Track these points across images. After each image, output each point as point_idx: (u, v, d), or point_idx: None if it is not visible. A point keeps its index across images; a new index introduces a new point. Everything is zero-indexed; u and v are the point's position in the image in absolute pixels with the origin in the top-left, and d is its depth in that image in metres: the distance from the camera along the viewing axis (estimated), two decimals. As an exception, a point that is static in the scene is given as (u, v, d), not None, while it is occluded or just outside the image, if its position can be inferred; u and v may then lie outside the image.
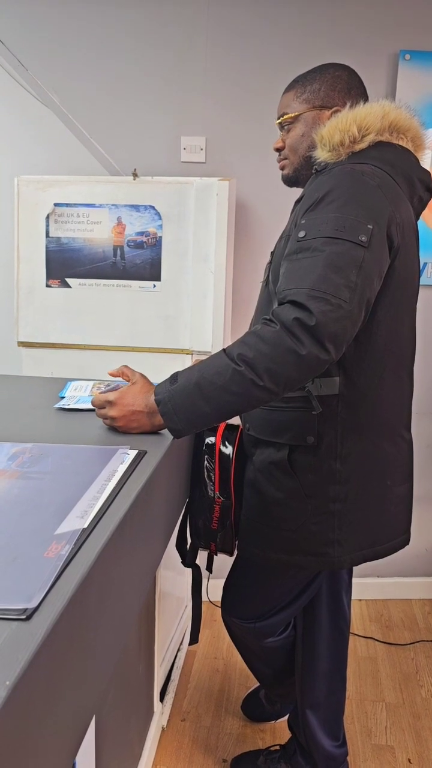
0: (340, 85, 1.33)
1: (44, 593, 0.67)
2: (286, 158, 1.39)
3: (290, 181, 1.42)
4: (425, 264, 2.24)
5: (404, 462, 1.39)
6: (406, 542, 1.43)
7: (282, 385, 1.11)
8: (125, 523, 0.88)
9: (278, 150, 1.41)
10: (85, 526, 0.83)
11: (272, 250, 1.38)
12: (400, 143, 1.29)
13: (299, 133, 1.35)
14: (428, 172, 1.35)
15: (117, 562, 0.87)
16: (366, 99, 1.35)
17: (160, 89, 2.13)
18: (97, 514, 0.87)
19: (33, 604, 0.65)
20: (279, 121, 1.38)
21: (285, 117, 1.36)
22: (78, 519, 0.85)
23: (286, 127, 1.37)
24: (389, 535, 1.37)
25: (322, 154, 1.27)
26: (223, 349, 1.15)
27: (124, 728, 1.42)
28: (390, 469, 1.34)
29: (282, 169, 1.41)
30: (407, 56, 2.09)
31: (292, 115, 1.35)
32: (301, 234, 1.16)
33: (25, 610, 0.64)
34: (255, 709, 1.92)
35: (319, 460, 1.28)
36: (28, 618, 0.63)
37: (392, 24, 2.09)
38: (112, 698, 1.28)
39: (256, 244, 2.21)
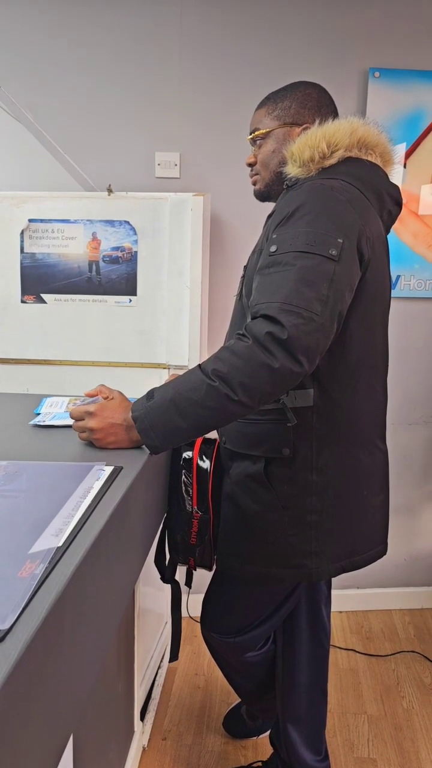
0: (310, 102, 1.36)
1: (17, 614, 0.66)
2: (257, 173, 1.41)
3: (262, 195, 1.44)
4: (398, 277, 2.27)
5: (380, 472, 1.40)
6: (384, 552, 1.43)
7: (257, 399, 1.11)
8: (101, 541, 0.88)
9: (250, 165, 1.43)
10: (60, 544, 0.82)
11: (245, 264, 1.39)
12: (369, 159, 1.31)
13: (270, 149, 1.37)
14: (397, 186, 1.38)
15: (93, 579, 0.86)
16: (336, 116, 1.38)
17: (134, 105, 2.14)
18: (72, 531, 0.86)
19: (5, 626, 0.64)
20: (251, 137, 1.40)
21: (256, 133, 1.39)
22: (53, 537, 0.84)
23: (257, 143, 1.40)
24: (367, 546, 1.38)
25: (292, 170, 1.29)
26: (198, 365, 1.15)
27: (104, 749, 1.40)
28: (366, 480, 1.35)
29: (254, 184, 1.43)
30: (377, 74, 2.14)
31: (264, 131, 1.37)
32: (273, 248, 1.17)
33: (-2, 631, 0.63)
34: (236, 726, 1.91)
35: (295, 471, 1.29)
36: (1, 640, 0.62)
37: (362, 43, 2.13)
38: (91, 718, 1.26)
39: (231, 258, 2.22)
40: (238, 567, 1.38)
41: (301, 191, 1.22)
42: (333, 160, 1.27)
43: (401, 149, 2.19)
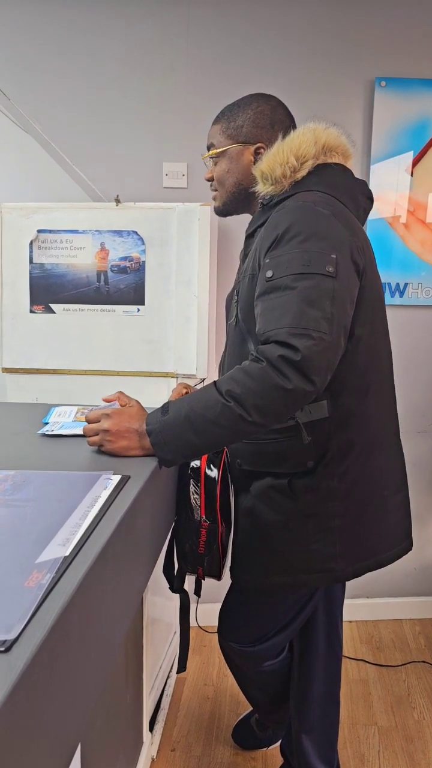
0: (263, 121, 1.38)
1: (24, 624, 0.66)
2: (216, 190, 1.44)
3: (221, 212, 1.47)
4: (406, 284, 2.27)
5: (398, 470, 1.42)
6: (409, 547, 1.45)
7: (270, 420, 1.14)
8: (108, 550, 0.88)
9: (209, 180, 1.45)
10: (67, 554, 0.82)
11: (236, 289, 1.40)
12: (334, 160, 1.33)
13: (225, 169, 1.40)
14: (364, 181, 1.42)
15: (100, 589, 0.86)
16: (293, 125, 1.39)
17: (142, 116, 2.16)
18: (79, 541, 0.86)
19: (12, 636, 0.64)
20: (207, 155, 1.43)
21: (211, 152, 1.42)
22: (60, 547, 0.84)
23: (213, 160, 1.42)
24: (390, 543, 1.40)
25: (265, 188, 1.31)
26: (214, 383, 1.17)
27: (113, 760, 1.39)
28: (385, 480, 1.37)
29: (213, 199, 1.46)
30: (383, 83, 2.14)
31: (217, 150, 1.40)
32: (269, 274, 1.19)
33: (4, 642, 0.63)
34: (246, 737, 1.90)
35: (318, 480, 1.30)
36: (7, 650, 0.62)
37: (368, 52, 2.14)
38: (99, 729, 1.26)
39: (238, 267, 2.22)
40: (263, 581, 1.39)
41: (285, 212, 1.24)
42: (303, 172, 1.29)
43: (408, 158, 2.19)
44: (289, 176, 1.28)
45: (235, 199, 1.40)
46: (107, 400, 1.31)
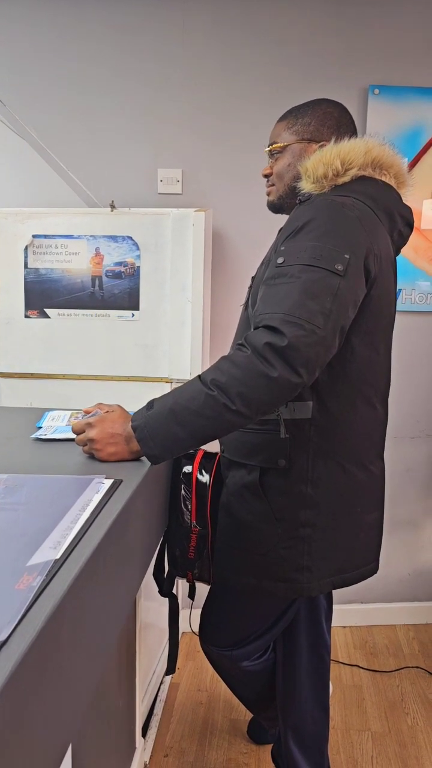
0: (330, 121, 1.37)
1: (13, 626, 0.66)
2: (273, 185, 1.43)
3: (275, 207, 1.45)
4: (400, 290, 2.28)
5: (375, 490, 1.40)
6: (375, 570, 1.43)
7: (254, 409, 1.12)
8: (99, 553, 0.88)
9: (266, 176, 1.45)
10: (58, 556, 0.82)
11: (253, 275, 1.40)
12: (383, 179, 1.33)
13: (286, 163, 1.39)
14: (409, 208, 1.39)
15: (90, 592, 0.86)
16: (354, 135, 1.39)
17: (137, 122, 2.17)
18: (70, 544, 0.86)
19: (2, 637, 0.64)
20: (268, 149, 1.43)
21: (274, 146, 1.41)
22: (51, 549, 0.84)
23: (274, 156, 1.41)
24: (358, 563, 1.38)
25: (306, 186, 1.31)
26: (198, 375, 1.16)
27: (105, 765, 1.39)
28: (360, 496, 1.35)
29: (268, 194, 1.45)
30: (376, 91, 2.16)
31: (281, 145, 1.39)
32: (280, 260, 1.19)
33: (-6, 643, 0.63)
34: (258, 732, 1.91)
35: (290, 483, 1.29)
36: (-3, 651, 0.62)
37: (362, 60, 2.16)
38: (91, 734, 1.26)
39: (232, 272, 2.24)
40: (233, 578, 1.38)
41: (312, 206, 1.24)
42: (346, 178, 1.29)
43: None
44: (330, 178, 1.28)
45: (292, 194, 1.37)
46: (87, 412, 1.29)
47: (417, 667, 2.32)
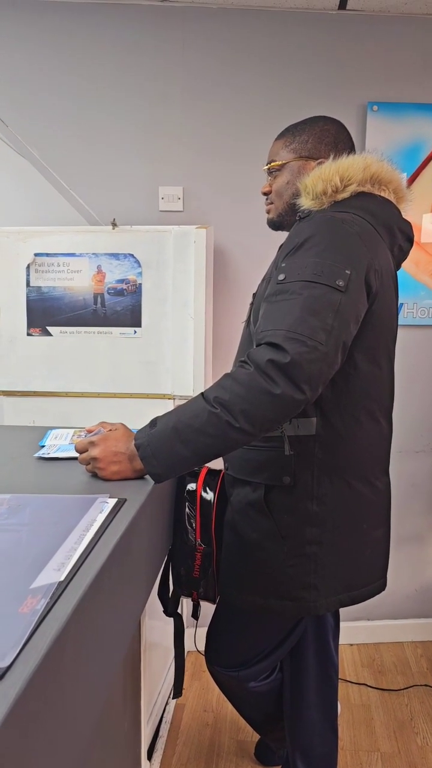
0: (327, 138, 1.38)
1: (17, 652, 0.65)
2: (272, 203, 1.44)
3: (274, 224, 1.46)
4: (401, 305, 2.28)
5: (381, 506, 1.38)
6: (383, 587, 1.42)
7: (258, 426, 1.11)
8: (103, 575, 0.87)
9: (265, 194, 1.45)
10: (62, 579, 0.81)
11: (254, 291, 1.40)
12: (382, 194, 1.33)
13: (284, 181, 1.40)
14: (409, 223, 1.40)
15: (95, 614, 0.85)
16: (353, 152, 1.39)
17: (138, 140, 2.18)
18: (74, 566, 0.85)
19: (5, 663, 0.63)
20: (267, 167, 1.43)
21: (272, 164, 1.42)
22: (54, 572, 0.83)
23: (273, 173, 1.42)
24: (365, 580, 1.36)
25: (305, 202, 1.31)
26: (201, 393, 1.16)
27: (110, 790, 1.36)
28: (366, 513, 1.34)
29: (268, 212, 1.46)
30: (375, 107, 2.17)
31: (279, 163, 1.40)
32: (281, 277, 1.19)
33: (-3, 669, 0.62)
34: (266, 755, 1.88)
35: (295, 500, 1.28)
36: (0, 678, 0.61)
37: (360, 77, 2.18)
38: (96, 757, 1.24)
39: (234, 289, 2.24)
40: (237, 596, 1.37)
41: (312, 223, 1.24)
42: (346, 194, 1.29)
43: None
44: (329, 194, 1.29)
45: (292, 211, 1.38)
46: (90, 430, 1.29)
47: (425, 685, 2.28)
